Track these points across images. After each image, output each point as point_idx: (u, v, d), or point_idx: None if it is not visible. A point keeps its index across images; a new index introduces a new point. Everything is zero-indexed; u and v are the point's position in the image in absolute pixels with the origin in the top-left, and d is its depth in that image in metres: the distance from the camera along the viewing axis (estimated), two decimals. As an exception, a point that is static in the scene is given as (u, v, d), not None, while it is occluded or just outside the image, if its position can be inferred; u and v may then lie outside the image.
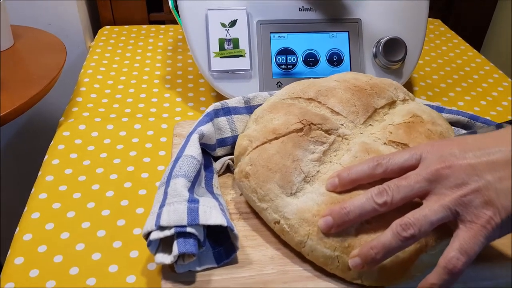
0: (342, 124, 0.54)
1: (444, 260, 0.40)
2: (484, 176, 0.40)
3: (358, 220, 0.45)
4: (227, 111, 0.59)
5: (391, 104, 0.58)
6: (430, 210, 0.41)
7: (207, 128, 0.55)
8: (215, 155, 0.59)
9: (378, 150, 0.50)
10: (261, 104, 0.61)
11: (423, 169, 0.43)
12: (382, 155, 0.47)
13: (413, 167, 0.44)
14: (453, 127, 0.60)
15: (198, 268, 0.46)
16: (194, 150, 0.51)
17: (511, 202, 0.39)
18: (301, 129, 0.52)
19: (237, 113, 0.60)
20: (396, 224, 0.42)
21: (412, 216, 0.41)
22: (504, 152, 0.41)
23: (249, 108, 0.61)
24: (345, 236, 0.45)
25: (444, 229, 0.43)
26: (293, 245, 0.48)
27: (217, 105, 0.59)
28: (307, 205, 0.47)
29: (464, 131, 0.62)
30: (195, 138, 0.53)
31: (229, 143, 0.59)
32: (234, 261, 0.48)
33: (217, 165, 0.58)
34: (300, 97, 0.56)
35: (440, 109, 0.63)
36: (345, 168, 0.48)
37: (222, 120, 0.58)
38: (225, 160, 0.59)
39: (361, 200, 0.44)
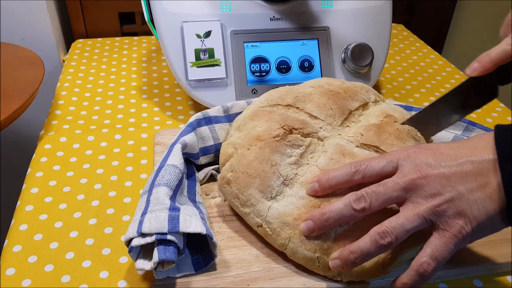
0: (321, 127, 0.57)
1: (416, 263, 0.43)
2: (457, 187, 0.42)
3: (337, 224, 0.47)
4: (208, 120, 0.62)
5: (364, 105, 0.61)
6: (406, 219, 0.43)
7: (189, 138, 0.58)
8: (199, 163, 0.61)
9: (352, 152, 0.53)
10: (239, 112, 0.63)
11: (400, 178, 0.45)
12: (360, 161, 0.49)
13: (389, 174, 0.46)
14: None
15: (177, 275, 0.49)
16: (176, 159, 0.54)
17: (480, 213, 0.41)
18: (283, 135, 0.55)
19: (217, 122, 0.62)
20: (374, 232, 0.44)
21: (389, 225, 0.43)
22: (474, 163, 0.42)
23: (229, 117, 0.63)
24: (325, 239, 0.48)
25: (421, 234, 0.45)
26: (276, 247, 0.51)
27: (198, 115, 0.61)
28: (287, 209, 0.50)
29: None
30: (177, 148, 0.55)
31: (212, 151, 0.62)
32: (212, 268, 0.50)
33: (200, 175, 0.60)
34: (278, 104, 0.59)
35: (408, 108, 0.67)
36: (324, 173, 0.50)
37: (205, 129, 0.61)
38: (209, 170, 0.61)
39: (339, 206, 0.46)
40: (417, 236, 0.45)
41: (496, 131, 0.43)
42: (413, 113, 0.66)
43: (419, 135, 0.57)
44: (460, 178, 0.42)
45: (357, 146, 0.54)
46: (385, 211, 0.47)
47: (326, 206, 0.47)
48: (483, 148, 0.43)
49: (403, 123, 0.57)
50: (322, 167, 0.52)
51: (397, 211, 0.45)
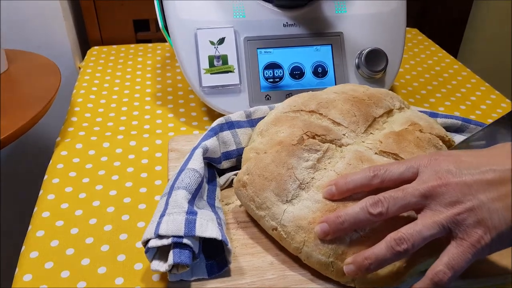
0: (344, 134, 0.56)
1: (432, 272, 0.42)
2: (478, 196, 0.42)
3: (352, 228, 0.47)
4: (231, 125, 0.62)
5: (389, 112, 0.60)
6: (424, 226, 0.42)
7: (211, 142, 0.58)
8: (221, 168, 0.61)
9: (371, 159, 0.53)
10: (262, 118, 0.63)
11: (420, 184, 0.44)
12: (379, 166, 0.48)
13: (409, 180, 0.45)
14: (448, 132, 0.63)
15: (190, 278, 0.49)
16: (197, 164, 0.54)
17: (501, 223, 0.41)
18: (301, 139, 0.54)
19: (240, 126, 0.62)
20: (390, 238, 0.43)
21: (406, 231, 0.42)
22: (497, 171, 0.42)
23: (251, 122, 0.64)
24: (339, 243, 0.47)
25: (438, 243, 0.44)
26: (291, 250, 0.51)
27: (221, 120, 0.62)
28: (302, 213, 0.50)
29: (457, 135, 0.66)
30: (198, 152, 0.56)
31: (234, 156, 0.62)
32: (227, 274, 0.50)
33: (221, 180, 0.61)
34: (302, 110, 0.59)
35: (434, 115, 0.66)
36: (342, 177, 0.50)
37: (227, 134, 0.61)
38: (230, 175, 0.61)
39: (355, 210, 0.45)
40: (435, 246, 0.44)
41: None
42: (438, 119, 0.65)
43: (441, 143, 0.56)
44: (482, 187, 0.42)
45: (376, 153, 0.54)
46: (402, 219, 0.46)
47: (342, 210, 0.47)
48: (505, 157, 0.42)
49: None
50: (340, 172, 0.52)
51: (415, 219, 0.44)
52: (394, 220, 0.46)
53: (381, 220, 0.46)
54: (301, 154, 0.53)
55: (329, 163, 0.54)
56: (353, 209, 0.46)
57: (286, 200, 0.51)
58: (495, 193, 0.41)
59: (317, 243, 0.48)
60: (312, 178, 0.52)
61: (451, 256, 0.42)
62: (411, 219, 0.44)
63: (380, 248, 0.43)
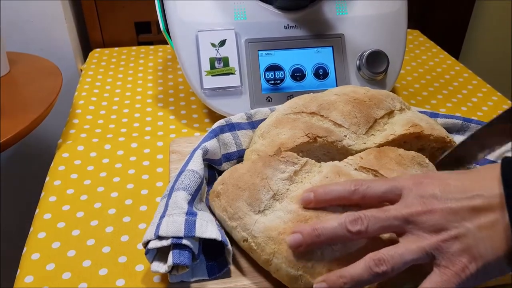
0: (345, 136, 0.55)
1: None
2: (464, 223, 0.40)
3: (328, 243, 0.44)
4: (231, 127, 0.62)
5: (390, 114, 0.60)
6: (407, 250, 0.40)
7: (211, 144, 0.58)
8: (222, 169, 0.61)
9: (349, 174, 0.51)
10: (263, 119, 0.63)
11: (403, 208, 0.42)
12: (361, 180, 0.46)
13: (391, 201, 0.44)
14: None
15: (190, 279, 0.49)
16: (196, 165, 0.54)
17: (487, 252, 0.39)
18: (307, 142, 0.54)
19: (241, 128, 0.62)
20: (369, 258, 0.41)
21: (387, 253, 0.40)
22: (484, 197, 0.40)
23: (252, 124, 0.64)
24: (310, 256, 0.45)
25: (420, 269, 0.42)
26: (261, 263, 0.49)
27: (221, 121, 0.62)
28: (274, 223, 0.48)
29: (457, 135, 0.65)
30: (198, 153, 0.56)
31: (235, 158, 0.62)
32: (227, 275, 0.50)
33: None
34: (303, 112, 0.58)
35: (434, 115, 0.66)
36: (322, 186, 0.48)
37: (227, 136, 0.61)
38: None
39: (333, 224, 0.43)
40: (415, 271, 0.42)
41: (503, 165, 0.40)
42: (439, 120, 0.64)
43: (427, 161, 0.54)
44: (468, 214, 0.40)
45: (355, 169, 0.52)
46: (381, 241, 0.45)
47: (319, 222, 0.44)
48: (493, 181, 0.40)
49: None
50: (316, 185, 0.50)
51: (395, 242, 0.42)
52: (374, 241, 0.44)
53: (359, 239, 0.44)
54: (278, 165, 0.52)
55: (305, 177, 0.52)
56: (331, 224, 0.43)
57: (259, 211, 0.49)
58: (482, 220, 0.39)
59: (286, 255, 0.46)
60: (287, 189, 0.50)
61: (434, 284, 0.39)
62: (392, 242, 0.42)
63: (356, 268, 0.41)
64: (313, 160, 0.53)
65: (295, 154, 0.53)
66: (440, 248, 0.40)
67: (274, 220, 0.48)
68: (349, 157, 0.54)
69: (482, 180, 0.41)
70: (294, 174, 0.51)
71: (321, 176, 0.51)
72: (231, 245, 0.50)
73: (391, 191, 0.44)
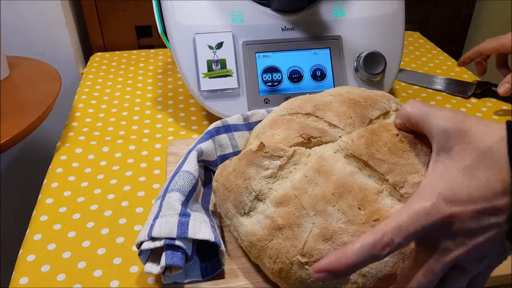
0: (340, 136, 0.55)
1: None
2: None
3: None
4: (228, 128, 0.62)
5: (385, 114, 0.60)
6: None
7: (206, 145, 0.58)
8: None
9: (331, 170, 0.49)
10: (259, 121, 0.63)
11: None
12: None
13: None
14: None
15: (184, 281, 0.49)
16: (191, 166, 0.54)
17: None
18: (301, 143, 0.54)
19: (237, 130, 0.62)
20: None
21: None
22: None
23: (248, 125, 0.64)
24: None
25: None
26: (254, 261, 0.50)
27: (217, 123, 0.62)
28: (254, 228, 0.48)
29: None
30: (193, 155, 0.56)
31: None
32: (221, 277, 0.50)
33: None
34: (298, 113, 0.58)
35: None
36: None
37: (223, 137, 0.61)
38: None
39: None
40: None
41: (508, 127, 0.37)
42: None
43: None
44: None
45: (346, 156, 0.51)
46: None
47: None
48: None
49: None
50: (295, 185, 0.49)
51: None
52: None
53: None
54: (261, 162, 0.51)
55: (291, 171, 0.51)
56: None
57: (244, 213, 0.50)
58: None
59: (268, 259, 0.47)
60: (270, 188, 0.50)
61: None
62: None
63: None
64: (303, 148, 0.52)
65: (281, 145, 0.52)
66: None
67: (255, 224, 0.48)
68: (342, 139, 0.52)
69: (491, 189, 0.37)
70: (280, 169, 0.51)
71: (301, 174, 0.49)
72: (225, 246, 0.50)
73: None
